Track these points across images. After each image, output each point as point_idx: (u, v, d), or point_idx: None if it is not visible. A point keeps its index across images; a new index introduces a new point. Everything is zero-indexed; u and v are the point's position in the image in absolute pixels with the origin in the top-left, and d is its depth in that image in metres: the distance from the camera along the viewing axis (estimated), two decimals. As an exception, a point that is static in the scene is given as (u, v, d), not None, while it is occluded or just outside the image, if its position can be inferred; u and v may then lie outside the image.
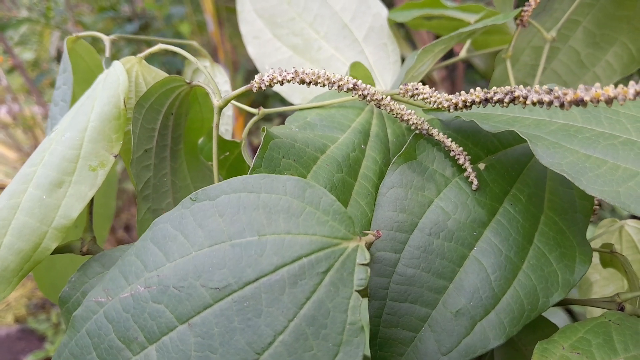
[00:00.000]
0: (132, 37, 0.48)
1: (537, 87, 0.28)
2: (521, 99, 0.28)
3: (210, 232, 0.32)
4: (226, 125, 0.54)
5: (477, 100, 0.32)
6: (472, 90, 0.33)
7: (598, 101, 0.24)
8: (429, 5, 0.64)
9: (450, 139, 0.40)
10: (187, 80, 0.52)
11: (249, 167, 0.42)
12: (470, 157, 0.40)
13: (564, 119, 0.37)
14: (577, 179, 0.31)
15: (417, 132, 0.40)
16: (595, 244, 0.50)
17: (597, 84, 0.25)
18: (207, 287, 0.31)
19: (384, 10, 0.60)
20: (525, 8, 0.49)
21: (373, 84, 0.52)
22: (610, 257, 0.46)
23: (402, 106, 0.39)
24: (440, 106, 0.35)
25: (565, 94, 0.25)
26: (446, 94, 0.35)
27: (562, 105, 0.26)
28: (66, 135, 0.38)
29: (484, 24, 0.46)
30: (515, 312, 0.36)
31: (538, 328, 0.45)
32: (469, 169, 0.39)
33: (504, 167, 0.41)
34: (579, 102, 0.25)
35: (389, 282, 0.37)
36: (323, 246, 0.31)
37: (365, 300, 0.30)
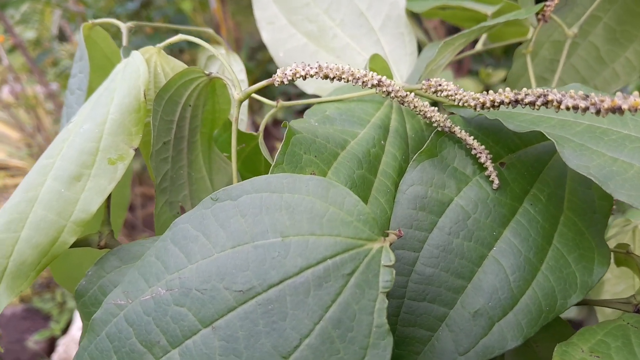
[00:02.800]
0: (148, 24, 0.47)
1: (572, 92, 0.28)
2: (555, 103, 0.28)
3: (233, 233, 0.32)
4: (242, 116, 0.53)
5: (507, 101, 0.31)
6: (501, 90, 0.33)
7: (636, 110, 0.24)
8: None
9: (472, 137, 0.39)
10: (203, 69, 0.52)
11: (265, 159, 0.42)
12: (491, 155, 0.40)
13: (589, 120, 0.37)
14: (605, 183, 0.31)
15: (439, 129, 0.40)
16: (610, 244, 0.50)
17: (636, 93, 0.24)
18: (230, 289, 0.30)
19: (401, 0, 0.59)
20: (547, 3, 0.48)
21: (391, 76, 0.51)
22: (625, 257, 0.47)
23: (426, 103, 0.38)
24: (466, 105, 0.35)
25: (602, 101, 0.25)
26: (473, 93, 0.35)
27: (598, 112, 0.25)
28: (85, 127, 0.37)
29: (506, 18, 0.45)
30: (533, 314, 0.37)
31: (550, 326, 0.45)
32: (490, 168, 0.39)
33: (525, 165, 0.41)
34: (616, 110, 0.25)
35: (407, 281, 0.38)
36: (348, 247, 0.31)
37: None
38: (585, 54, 0.59)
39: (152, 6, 1.92)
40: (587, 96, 0.26)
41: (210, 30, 0.52)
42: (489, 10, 0.59)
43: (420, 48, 0.60)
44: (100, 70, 0.49)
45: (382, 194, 0.40)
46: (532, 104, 0.30)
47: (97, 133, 0.37)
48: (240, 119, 0.53)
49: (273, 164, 0.35)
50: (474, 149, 0.39)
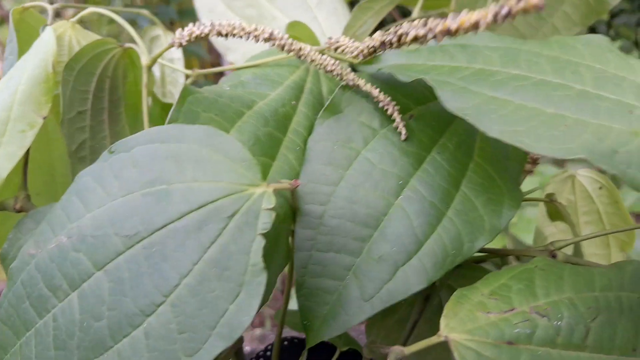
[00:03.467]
0: (76, 5, 0.48)
1: (416, 22, 0.28)
2: (404, 36, 0.28)
3: (125, 182, 0.33)
4: (170, 87, 0.54)
5: (377, 44, 0.32)
6: (375, 35, 0.33)
7: (466, 30, 0.24)
8: None
9: (378, 89, 0.40)
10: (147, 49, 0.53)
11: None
12: (399, 107, 0.40)
13: (483, 64, 0.37)
14: (479, 121, 0.31)
15: (344, 82, 0.40)
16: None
17: (465, 10, 0.25)
18: (119, 235, 0.32)
19: (334, -25, 0.60)
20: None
21: (316, 42, 0.52)
22: (556, 209, 0.46)
23: (325, 57, 0.39)
24: (353, 55, 0.35)
25: (436, 25, 0.25)
26: (357, 43, 0.35)
27: (435, 37, 0.26)
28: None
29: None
30: (438, 257, 0.37)
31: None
32: (398, 119, 0.39)
33: (434, 116, 0.41)
34: (448, 32, 0.25)
35: (315, 234, 0.38)
36: (230, 192, 0.32)
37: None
38: (523, 13, 0.59)
39: None
40: (426, 23, 0.26)
41: (146, 12, 0.53)
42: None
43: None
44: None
45: (291, 151, 0.41)
46: (391, 42, 0.30)
47: (9, 103, 0.39)
48: (169, 90, 0.54)
49: (167, 121, 0.36)
50: (381, 101, 0.40)
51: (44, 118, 0.39)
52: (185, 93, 0.37)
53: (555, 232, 0.54)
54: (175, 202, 0.32)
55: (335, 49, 0.39)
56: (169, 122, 0.36)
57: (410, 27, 0.28)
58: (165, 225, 0.31)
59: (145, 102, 0.40)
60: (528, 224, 1.33)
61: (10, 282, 0.34)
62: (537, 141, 0.30)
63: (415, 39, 0.28)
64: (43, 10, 0.49)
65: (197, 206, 0.32)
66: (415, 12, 0.60)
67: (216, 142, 0.33)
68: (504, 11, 0.23)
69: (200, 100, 0.38)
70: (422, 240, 0.37)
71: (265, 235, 0.31)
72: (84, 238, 0.32)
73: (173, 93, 0.54)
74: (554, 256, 0.39)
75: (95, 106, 0.43)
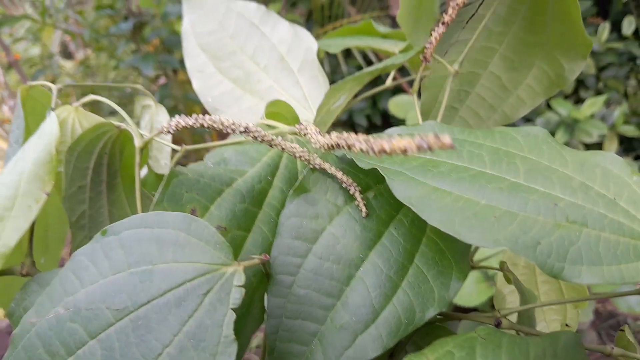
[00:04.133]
0: (79, 84, 0.54)
1: (361, 136, 0.33)
2: (351, 147, 0.33)
3: (114, 262, 0.38)
4: (165, 160, 0.60)
5: (333, 144, 0.37)
6: (330, 135, 0.38)
7: (396, 152, 0.29)
8: (364, 32, 0.69)
9: (341, 172, 0.45)
10: (139, 116, 0.58)
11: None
12: (360, 187, 0.45)
13: (431, 155, 0.42)
14: (422, 211, 0.36)
15: (311, 166, 0.45)
16: (494, 263, 0.54)
17: (396, 136, 0.30)
18: (110, 308, 0.36)
19: (314, 44, 0.65)
20: (427, 45, 0.53)
21: (296, 117, 0.57)
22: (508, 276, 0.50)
23: (295, 145, 0.44)
24: (316, 147, 0.40)
25: (374, 143, 0.30)
26: (322, 137, 0.40)
27: (375, 154, 0.31)
28: (8, 178, 0.45)
29: (383, 64, 0.51)
30: (392, 326, 0.41)
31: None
32: (358, 198, 0.44)
33: (391, 194, 0.45)
34: (384, 151, 0.30)
35: (285, 302, 0.42)
36: (205, 272, 0.37)
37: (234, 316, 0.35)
38: (489, 83, 0.64)
39: (147, 27, 2.01)
40: (368, 140, 0.32)
41: (140, 86, 0.59)
42: (396, 47, 0.65)
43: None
44: (42, 121, 0.57)
45: (266, 223, 0.46)
46: (342, 147, 0.35)
47: (17, 182, 0.44)
48: (165, 162, 0.59)
49: (153, 203, 0.41)
50: (344, 182, 0.45)
51: (47, 194, 0.44)
52: (171, 176, 0.42)
53: (514, 289, 0.58)
54: (158, 280, 0.36)
55: (304, 135, 0.44)
56: (155, 204, 0.41)
57: (356, 141, 0.33)
58: (149, 301, 0.36)
59: (139, 180, 0.45)
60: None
61: (12, 347, 0.39)
62: (470, 232, 0.35)
63: (361, 150, 0.33)
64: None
65: (176, 284, 0.36)
66: (389, 80, 0.66)
67: (192, 227, 0.38)
68: (425, 145, 0.28)
69: (183, 182, 0.43)
70: (379, 310, 0.41)
71: (240, 303, 0.36)
72: (79, 310, 0.37)
73: (158, 158, 0.59)
74: (498, 323, 0.43)
75: (94, 180, 0.48)
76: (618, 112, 2.29)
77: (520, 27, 0.60)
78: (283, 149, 0.43)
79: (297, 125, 0.46)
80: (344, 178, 0.44)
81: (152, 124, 0.61)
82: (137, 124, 0.64)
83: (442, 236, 0.44)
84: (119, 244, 0.38)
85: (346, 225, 0.44)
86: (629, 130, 2.26)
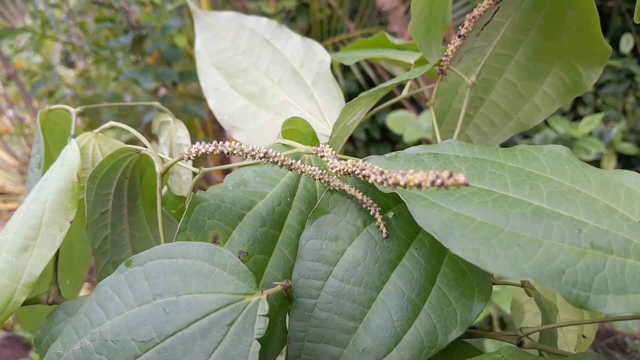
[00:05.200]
0: (97, 105, 0.55)
1: (375, 168, 0.33)
2: (366, 177, 0.33)
3: (139, 293, 0.38)
4: (186, 175, 0.60)
5: (349, 171, 0.37)
6: (349, 160, 0.38)
7: (410, 186, 0.29)
8: (377, 45, 0.68)
9: (361, 193, 0.45)
10: (157, 132, 0.59)
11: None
12: (380, 207, 0.45)
13: (452, 176, 0.41)
14: (444, 239, 0.36)
15: (331, 188, 0.45)
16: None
17: (411, 170, 0.30)
18: (136, 340, 0.37)
19: (327, 57, 0.65)
20: (443, 59, 0.53)
21: (313, 133, 0.57)
22: (528, 291, 0.50)
23: (314, 167, 0.44)
24: (333, 171, 0.40)
25: (390, 177, 0.30)
26: (338, 161, 0.40)
27: (390, 186, 0.31)
28: (31, 207, 0.45)
29: (399, 79, 0.50)
30: (415, 350, 0.41)
31: (467, 354, 0.49)
32: (379, 219, 0.44)
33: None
34: (399, 185, 0.30)
35: (307, 326, 0.43)
36: (228, 302, 0.37)
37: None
38: (504, 90, 0.64)
39: (146, 40, 2.03)
40: (382, 172, 0.31)
41: (158, 104, 0.59)
42: (412, 58, 0.65)
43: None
44: (61, 144, 0.57)
45: (287, 245, 0.46)
46: (357, 174, 0.35)
47: (40, 211, 0.45)
48: (187, 178, 0.60)
49: (177, 231, 0.41)
50: (364, 203, 0.45)
51: (71, 222, 0.45)
52: (193, 203, 0.43)
53: (531, 298, 0.57)
54: (183, 311, 0.37)
55: (321, 157, 0.44)
56: (178, 232, 0.42)
57: (371, 173, 0.33)
58: (175, 333, 0.36)
59: (160, 204, 0.45)
60: (509, 294, 1.36)
61: (38, 376, 0.40)
62: (494, 262, 0.35)
63: (376, 182, 0.33)
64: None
65: (201, 315, 0.37)
66: (405, 90, 0.65)
67: (216, 258, 0.38)
68: (439, 181, 0.27)
69: (205, 208, 0.43)
70: (401, 333, 0.41)
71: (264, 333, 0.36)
72: (105, 342, 0.37)
73: (179, 174, 0.59)
74: (521, 343, 0.43)
75: (116, 204, 0.49)
76: (616, 130, 2.27)
77: (536, 35, 0.60)
78: (303, 172, 0.43)
79: (314, 148, 0.45)
80: (364, 199, 0.44)
81: (171, 139, 0.61)
82: (156, 139, 0.64)
83: (463, 256, 0.44)
84: (144, 275, 0.39)
85: (366, 246, 0.44)
86: (627, 148, 2.25)
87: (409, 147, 0.47)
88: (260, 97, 0.67)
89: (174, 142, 0.61)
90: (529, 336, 0.44)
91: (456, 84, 0.64)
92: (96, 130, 0.50)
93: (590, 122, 2.19)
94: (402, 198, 0.39)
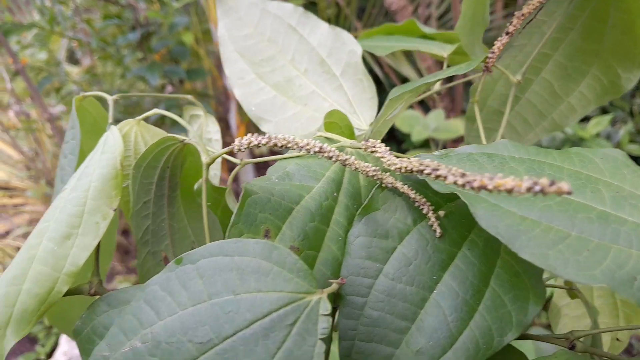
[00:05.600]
0: (134, 94, 0.53)
1: (454, 169, 0.32)
2: (442, 178, 0.32)
3: (193, 292, 0.37)
4: (215, 171, 0.58)
5: (415, 170, 0.36)
6: (412, 158, 0.37)
7: (499, 190, 0.28)
8: (406, 32, 0.67)
9: (414, 191, 0.44)
10: (187, 124, 0.57)
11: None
12: (433, 206, 0.44)
13: (512, 177, 0.41)
14: (511, 243, 0.35)
15: (383, 185, 0.44)
16: (561, 280, 0.53)
17: (500, 175, 0.29)
18: (192, 342, 0.36)
19: (358, 48, 0.63)
20: (489, 55, 0.52)
21: (350, 126, 0.56)
22: (575, 294, 0.50)
23: (368, 164, 0.43)
24: (389, 168, 0.39)
25: (474, 180, 0.29)
26: (395, 158, 0.39)
27: (473, 189, 0.30)
28: (72, 195, 0.43)
29: (446, 74, 0.49)
30: (471, 351, 0.41)
31: (511, 356, 0.48)
32: (432, 218, 0.43)
33: (463, 213, 0.45)
34: (484, 188, 0.29)
35: (357, 324, 0.42)
36: (290, 301, 0.36)
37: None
38: (540, 89, 0.63)
39: (153, 37, 2.00)
40: (464, 174, 0.31)
41: (190, 97, 0.58)
42: (444, 51, 0.64)
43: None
44: (91, 133, 0.55)
45: (334, 242, 0.45)
46: (429, 174, 0.34)
47: (83, 199, 0.43)
48: (214, 173, 0.58)
49: (230, 224, 0.40)
50: (417, 201, 0.44)
51: (114, 210, 0.43)
52: (245, 195, 0.41)
53: (570, 302, 0.58)
54: (243, 311, 0.36)
55: (372, 152, 0.43)
56: (232, 225, 0.40)
57: (449, 174, 0.32)
58: (235, 333, 0.35)
59: (205, 196, 0.44)
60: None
61: (82, 381, 0.38)
62: (565, 267, 0.34)
63: (455, 184, 0.32)
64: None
65: (262, 315, 0.36)
66: (437, 85, 0.64)
67: (274, 255, 0.37)
68: (537, 188, 0.26)
69: (256, 201, 0.42)
70: (456, 335, 0.41)
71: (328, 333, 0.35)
72: (159, 344, 0.36)
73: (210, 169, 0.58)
74: (573, 346, 0.43)
75: (157, 194, 0.47)
76: (623, 131, 2.29)
77: (578, 34, 0.59)
78: (356, 168, 0.42)
79: (362, 143, 0.44)
80: (417, 197, 0.43)
81: (202, 134, 0.59)
82: (185, 133, 0.62)
83: (517, 258, 0.44)
84: (197, 273, 0.37)
85: (417, 245, 0.44)
86: (635, 149, 2.27)
87: (415, 147, 0.46)
88: (287, 88, 0.65)
89: (204, 137, 0.59)
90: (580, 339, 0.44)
91: (493, 82, 0.64)
92: (138, 118, 0.48)
93: (599, 124, 2.20)
94: (464, 199, 0.38)
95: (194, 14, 2.22)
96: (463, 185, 0.31)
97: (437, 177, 0.34)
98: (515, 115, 0.66)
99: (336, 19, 2.65)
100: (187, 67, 2.12)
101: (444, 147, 1.96)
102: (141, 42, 1.96)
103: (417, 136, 2.12)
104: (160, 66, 1.87)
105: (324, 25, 0.67)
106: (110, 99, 0.50)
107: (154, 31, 2.00)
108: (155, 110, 0.47)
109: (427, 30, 0.69)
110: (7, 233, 2.72)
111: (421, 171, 0.36)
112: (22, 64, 1.93)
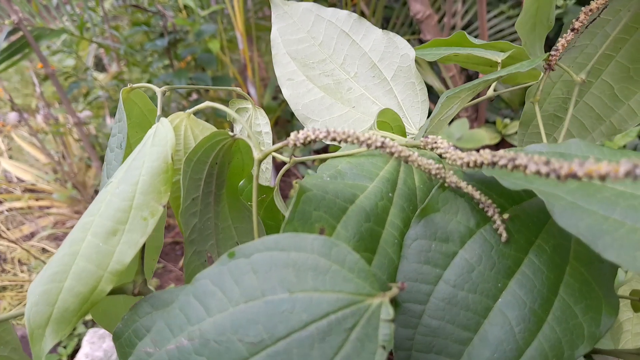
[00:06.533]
0: (182, 87, 0.52)
1: (536, 157, 0.29)
2: (522, 167, 0.30)
3: (246, 288, 0.35)
4: (266, 164, 0.57)
5: (486, 162, 0.34)
6: (482, 151, 0.35)
7: (591, 177, 0.25)
8: (456, 44, 0.65)
9: (479, 192, 0.41)
10: (231, 122, 0.56)
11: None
12: (499, 209, 0.41)
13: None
14: (594, 243, 0.32)
15: (446, 184, 0.42)
16: (624, 290, 0.50)
17: (591, 159, 0.26)
18: (243, 341, 0.33)
19: (411, 52, 0.62)
20: (552, 52, 0.49)
21: (402, 126, 0.54)
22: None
23: (430, 161, 0.41)
24: (454, 163, 0.37)
25: (560, 167, 0.27)
26: (460, 152, 0.37)
27: (558, 178, 0.27)
28: (120, 188, 0.42)
29: (508, 71, 0.47)
30: (539, 365, 0.37)
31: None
32: (498, 221, 0.41)
33: (529, 217, 0.42)
34: (574, 176, 0.26)
35: (414, 333, 0.39)
36: (349, 303, 0.34)
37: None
38: (599, 92, 0.60)
39: (180, 44, 2.03)
40: (549, 162, 0.28)
41: (239, 89, 0.56)
42: (499, 57, 0.61)
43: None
44: (138, 126, 0.55)
45: (390, 244, 0.42)
46: (504, 166, 0.32)
47: (131, 193, 0.41)
48: (266, 167, 0.57)
49: (285, 221, 0.38)
50: (481, 202, 0.41)
51: (164, 206, 0.42)
52: (300, 192, 0.39)
53: (632, 317, 0.54)
54: (298, 311, 0.33)
55: (432, 149, 0.41)
56: (287, 222, 0.38)
57: (530, 162, 0.29)
58: (289, 334, 0.33)
59: (256, 193, 0.42)
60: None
61: (125, 378, 0.37)
62: (655, 272, 0.31)
63: (537, 173, 0.29)
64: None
65: (319, 316, 0.33)
66: (490, 90, 0.62)
67: (333, 253, 0.35)
68: (638, 172, 0.24)
69: (311, 199, 0.40)
70: (523, 347, 0.38)
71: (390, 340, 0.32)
72: (207, 342, 0.34)
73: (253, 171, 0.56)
74: (650, 364, 0.39)
75: (205, 191, 0.46)
76: None
77: (643, 34, 0.56)
78: (419, 165, 0.40)
79: (422, 140, 0.42)
80: (482, 198, 0.41)
81: (250, 127, 0.58)
82: (231, 128, 0.61)
83: (587, 265, 0.41)
84: (251, 268, 0.35)
85: (481, 250, 0.41)
86: None
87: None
88: (336, 90, 0.64)
89: (253, 130, 0.58)
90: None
91: (549, 84, 0.61)
92: (189, 111, 0.47)
93: (626, 135, 2.14)
94: (540, 196, 0.35)
95: (219, 22, 2.25)
96: (547, 174, 0.28)
97: (515, 167, 0.31)
98: (572, 118, 0.63)
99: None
100: (212, 75, 2.14)
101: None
102: (168, 49, 1.99)
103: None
104: (186, 73, 1.90)
105: (377, 30, 0.66)
106: (158, 90, 0.49)
107: (181, 38, 2.03)
108: (208, 103, 0.46)
109: (476, 41, 0.67)
110: (32, 235, 2.77)
111: (494, 163, 0.33)
112: (51, 69, 1.99)
